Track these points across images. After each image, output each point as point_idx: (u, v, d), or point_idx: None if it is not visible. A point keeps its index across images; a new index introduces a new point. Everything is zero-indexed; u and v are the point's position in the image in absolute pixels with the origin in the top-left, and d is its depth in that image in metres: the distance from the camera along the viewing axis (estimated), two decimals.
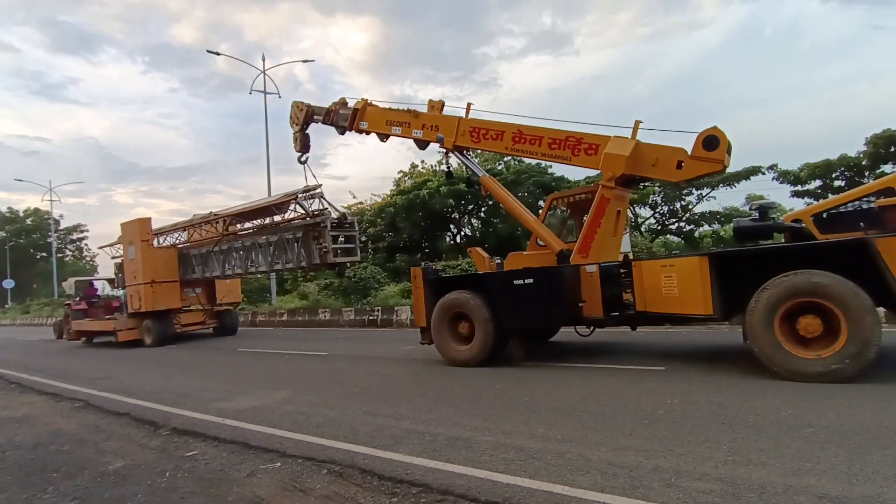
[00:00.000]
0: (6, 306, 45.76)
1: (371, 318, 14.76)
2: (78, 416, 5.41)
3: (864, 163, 18.31)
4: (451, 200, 20.94)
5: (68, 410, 5.77)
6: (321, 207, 10.65)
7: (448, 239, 23.83)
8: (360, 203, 24.76)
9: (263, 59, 22.33)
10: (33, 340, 18.50)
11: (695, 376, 5.14)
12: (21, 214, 56.30)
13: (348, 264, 11.88)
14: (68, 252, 55.30)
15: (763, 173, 21.39)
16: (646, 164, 6.13)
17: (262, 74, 22.25)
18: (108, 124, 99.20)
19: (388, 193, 24.20)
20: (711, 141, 5.81)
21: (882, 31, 43.09)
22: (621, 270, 6.06)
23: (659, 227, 22.74)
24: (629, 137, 6.23)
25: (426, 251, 22.95)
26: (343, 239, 10.73)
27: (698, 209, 22.15)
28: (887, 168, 17.45)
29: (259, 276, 17.05)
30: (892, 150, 17.57)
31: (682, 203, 22.59)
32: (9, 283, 43.56)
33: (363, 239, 23.36)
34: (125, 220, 14.82)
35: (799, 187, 19.88)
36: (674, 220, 22.89)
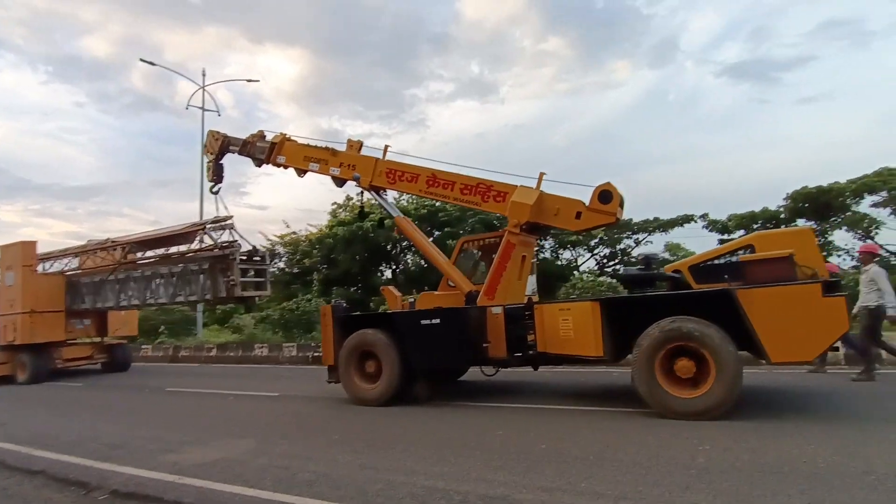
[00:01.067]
0: None
1: (317, 354, 14.57)
2: None
3: (782, 216, 21.22)
4: (394, 234, 21.67)
5: None
6: (231, 239, 11.10)
7: (381, 274, 24.42)
8: (294, 233, 24.99)
9: (203, 75, 22.89)
10: None
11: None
12: None
13: (257, 298, 12.44)
14: None
15: (695, 221, 24.35)
16: (549, 213, 7.19)
17: (202, 90, 22.67)
18: None
19: (326, 225, 24.66)
20: (606, 195, 6.96)
21: (766, 104, 53.87)
22: (525, 312, 6.91)
23: (599, 270, 24.70)
24: (534, 188, 7.29)
25: (359, 286, 23.37)
26: (253, 273, 11.25)
27: (636, 252, 24.60)
28: (801, 221, 20.40)
29: (156, 307, 16.87)
30: (807, 205, 20.55)
31: (622, 247, 24.96)
32: None
33: (296, 270, 23.47)
34: (10, 240, 14.41)
35: (726, 235, 22.50)
36: (612, 262, 25.02)
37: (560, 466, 4.05)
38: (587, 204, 7.04)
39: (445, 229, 21.38)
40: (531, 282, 8.02)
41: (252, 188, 78.53)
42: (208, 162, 10.11)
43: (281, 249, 24.76)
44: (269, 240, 24.68)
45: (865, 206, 19.17)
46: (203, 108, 22.45)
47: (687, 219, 24.62)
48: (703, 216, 24.17)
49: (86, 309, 13.93)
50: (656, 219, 25.70)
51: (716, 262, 6.78)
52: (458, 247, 8.26)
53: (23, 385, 12.56)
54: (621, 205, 7.07)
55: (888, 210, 18.38)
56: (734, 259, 6.55)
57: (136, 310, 15.04)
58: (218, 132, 9.96)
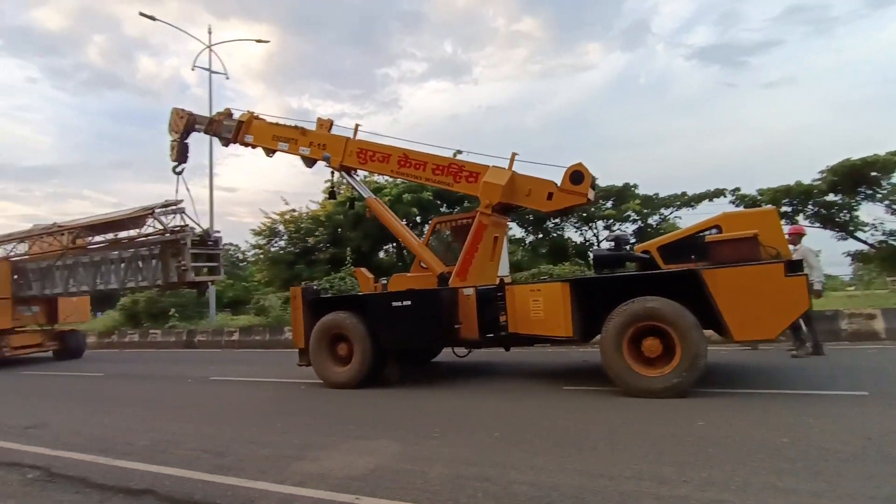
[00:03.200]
0: None
1: None
2: (50, 498, 4.35)
3: (816, 190, 22.82)
4: (414, 209, 23.02)
5: (22, 486, 4.74)
6: (182, 224, 12.81)
7: (382, 253, 25.73)
8: (293, 211, 26.30)
9: (210, 32, 23.97)
10: None
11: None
12: None
13: (209, 283, 14.54)
14: None
15: (724, 196, 26.06)
16: (520, 193, 8.57)
17: (208, 49, 23.76)
18: None
19: (332, 202, 25.76)
20: (577, 176, 8.33)
21: (733, 88, 58.14)
22: (497, 294, 8.30)
23: None
24: (506, 168, 8.65)
25: (349, 266, 24.38)
26: (206, 257, 13.02)
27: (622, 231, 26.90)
28: (831, 196, 22.10)
29: (108, 292, 18.42)
30: (836, 178, 22.11)
31: (653, 221, 26.87)
32: None
33: (297, 249, 24.73)
34: None
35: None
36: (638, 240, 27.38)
37: (608, 450, 4.55)
38: (559, 185, 8.39)
39: (465, 203, 22.72)
40: (505, 262, 9.43)
41: (219, 169, 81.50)
42: (172, 141, 11.47)
43: (281, 228, 26.06)
44: (269, 217, 26.02)
45: None
46: (210, 70, 23.50)
47: (717, 193, 26.18)
48: (734, 191, 25.73)
49: (33, 296, 15.65)
50: (684, 193, 27.28)
51: (684, 242, 8.12)
52: (431, 228, 9.69)
53: None
54: (593, 186, 8.43)
55: None
56: (702, 239, 7.88)
57: (86, 296, 16.94)
58: (182, 110, 11.32)
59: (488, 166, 8.82)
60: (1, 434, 6.69)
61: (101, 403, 8.79)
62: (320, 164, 9.93)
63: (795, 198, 23.23)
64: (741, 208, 23.56)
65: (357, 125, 9.67)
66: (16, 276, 15.72)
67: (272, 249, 26.44)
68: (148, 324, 22.01)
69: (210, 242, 13.34)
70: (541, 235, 28.78)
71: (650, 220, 27.91)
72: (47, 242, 15.26)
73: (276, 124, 10.42)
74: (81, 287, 14.96)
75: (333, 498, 3.93)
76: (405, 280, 9.14)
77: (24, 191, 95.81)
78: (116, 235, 14.52)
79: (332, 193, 10.21)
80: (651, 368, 6.95)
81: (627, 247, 8.45)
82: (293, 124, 10.19)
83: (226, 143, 10.82)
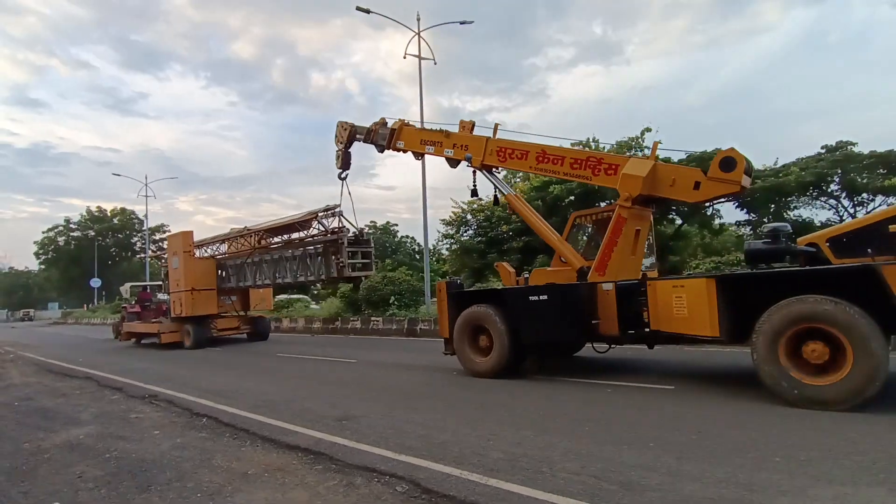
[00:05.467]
0: (92, 306, 60.28)
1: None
2: None
3: None
4: (507, 212, 22.35)
5: (399, 502, 4.03)
6: (339, 226, 14.59)
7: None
8: (480, 200, 27.19)
9: (418, 19, 24.66)
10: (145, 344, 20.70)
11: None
12: (108, 213, 75.02)
13: (363, 278, 16.27)
14: (150, 252, 66.31)
15: None
16: (664, 184, 8.24)
17: (417, 36, 24.66)
18: (172, 136, 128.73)
19: (529, 186, 25.52)
20: (728, 162, 7.76)
21: None
22: (640, 289, 7.94)
23: None
24: (648, 158, 8.26)
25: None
26: (360, 255, 14.65)
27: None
28: None
29: (285, 286, 21.02)
30: None
31: None
32: (96, 283, 57.80)
33: (483, 239, 25.52)
34: (187, 227, 19.73)
35: None
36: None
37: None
38: (707, 173, 7.80)
39: None
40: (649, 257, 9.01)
41: (380, 170, 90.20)
42: (338, 151, 13.09)
43: (469, 217, 27.20)
44: (459, 207, 27.32)
45: None
46: (420, 57, 24.74)
47: None
48: None
49: (231, 287, 19.09)
50: None
51: (862, 233, 7.02)
52: (570, 222, 9.83)
53: (191, 349, 17.38)
54: (748, 172, 7.79)
55: None
56: (883, 229, 6.69)
57: (269, 287, 19.94)
58: (346, 122, 12.82)
59: (629, 157, 8.62)
60: (320, 426, 6.35)
61: (389, 395, 8.18)
62: (464, 163, 10.36)
63: None
64: None
65: (496, 125, 10.24)
66: (219, 272, 19.21)
67: (462, 239, 27.18)
68: (368, 311, 22.81)
69: (363, 241, 15.00)
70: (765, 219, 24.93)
71: None
72: (240, 243, 18.43)
73: (423, 129, 11.35)
74: (265, 280, 17.95)
75: None
76: (545, 275, 9.32)
77: (229, 197, 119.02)
78: (290, 236, 17.01)
79: (474, 192, 10.54)
80: (814, 376, 6.22)
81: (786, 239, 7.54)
82: (438, 128, 11.00)
83: (381, 149, 12.03)
